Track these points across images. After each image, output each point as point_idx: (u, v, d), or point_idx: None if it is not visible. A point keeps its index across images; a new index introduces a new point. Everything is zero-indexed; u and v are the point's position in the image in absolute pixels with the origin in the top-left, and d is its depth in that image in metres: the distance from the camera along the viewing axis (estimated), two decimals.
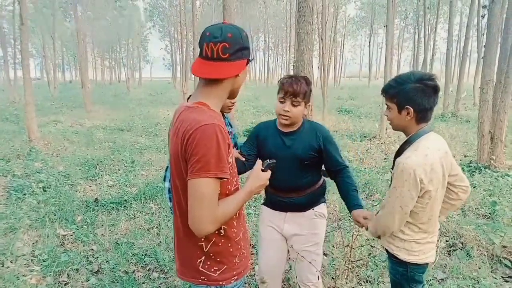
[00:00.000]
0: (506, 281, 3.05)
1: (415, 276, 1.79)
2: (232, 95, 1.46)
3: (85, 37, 20.42)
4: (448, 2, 17.29)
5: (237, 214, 1.45)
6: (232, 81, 1.39)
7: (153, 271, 3.23)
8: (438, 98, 1.69)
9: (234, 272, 1.45)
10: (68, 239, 3.80)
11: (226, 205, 1.32)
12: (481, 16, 12.66)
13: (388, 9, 10.10)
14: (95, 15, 29.96)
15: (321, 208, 2.21)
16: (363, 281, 2.98)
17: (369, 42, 35.93)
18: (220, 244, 1.40)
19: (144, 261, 3.36)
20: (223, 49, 1.30)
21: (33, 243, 3.67)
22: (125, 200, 4.82)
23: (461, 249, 3.55)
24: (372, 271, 3.09)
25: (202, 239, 1.38)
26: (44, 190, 5.18)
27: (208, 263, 1.40)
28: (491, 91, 6.29)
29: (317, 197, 2.19)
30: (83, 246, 3.64)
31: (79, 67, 24.05)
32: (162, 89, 33.42)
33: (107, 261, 3.34)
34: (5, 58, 22.38)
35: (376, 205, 4.79)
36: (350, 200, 2.03)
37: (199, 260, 1.40)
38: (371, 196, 5.19)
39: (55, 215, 4.31)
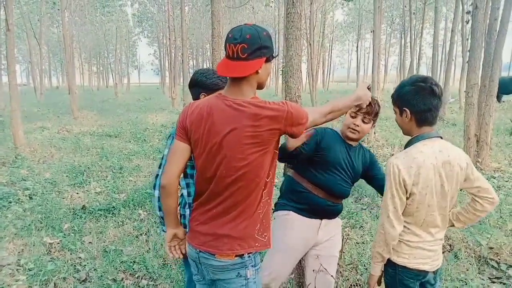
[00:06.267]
0: (493, 282, 3.09)
1: (403, 280, 1.77)
2: (260, 86, 1.62)
3: (72, 42, 20.25)
4: (433, 8, 17.61)
5: (270, 190, 1.63)
6: (255, 76, 1.54)
7: (142, 278, 3.19)
8: (440, 101, 1.71)
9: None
10: (55, 247, 3.73)
11: (335, 101, 1.73)
12: (465, 21, 12.88)
13: (374, 14, 10.24)
14: (83, 20, 29.70)
15: None
16: (353, 285, 2.98)
17: (357, 47, 36.25)
18: (266, 208, 1.61)
19: (133, 269, 3.32)
20: (242, 50, 1.45)
21: (19, 252, 3.59)
22: (113, 207, 4.76)
23: (449, 251, 3.59)
24: (361, 275, 3.10)
25: (260, 209, 1.57)
26: (30, 198, 5.09)
27: (262, 229, 1.59)
28: (476, 95, 6.40)
29: None
30: (70, 254, 3.58)
31: (66, 72, 23.79)
32: (151, 95, 33.19)
33: (95, 269, 3.29)
34: None
35: (365, 209, 4.82)
36: None
37: (256, 228, 1.57)
38: (360, 199, 5.22)
39: (41, 223, 4.23)
